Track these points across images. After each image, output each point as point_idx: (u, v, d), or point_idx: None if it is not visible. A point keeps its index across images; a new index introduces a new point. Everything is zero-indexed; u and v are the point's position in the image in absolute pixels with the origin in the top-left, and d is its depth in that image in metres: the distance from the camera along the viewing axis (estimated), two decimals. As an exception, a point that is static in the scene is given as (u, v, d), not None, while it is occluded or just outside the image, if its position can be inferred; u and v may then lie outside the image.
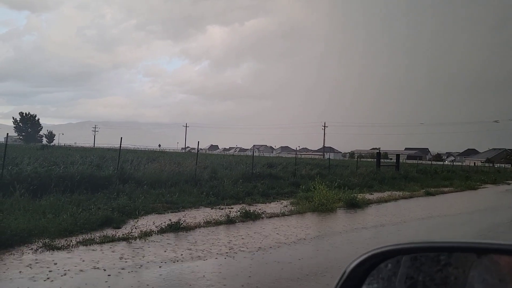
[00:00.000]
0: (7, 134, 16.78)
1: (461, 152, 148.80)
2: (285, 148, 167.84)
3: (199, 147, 21.72)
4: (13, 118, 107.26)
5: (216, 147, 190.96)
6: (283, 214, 12.16)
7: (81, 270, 6.06)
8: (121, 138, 17.21)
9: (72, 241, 7.61)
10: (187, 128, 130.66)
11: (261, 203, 14.37)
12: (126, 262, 6.60)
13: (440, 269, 1.10)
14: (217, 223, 10.21)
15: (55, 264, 6.31)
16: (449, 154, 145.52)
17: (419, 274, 1.11)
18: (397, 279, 1.13)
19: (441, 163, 65.68)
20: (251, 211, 11.45)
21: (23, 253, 6.80)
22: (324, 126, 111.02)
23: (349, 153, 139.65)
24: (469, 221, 13.24)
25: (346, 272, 1.15)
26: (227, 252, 7.52)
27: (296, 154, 38.55)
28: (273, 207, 13.55)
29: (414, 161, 61.04)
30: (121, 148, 17.60)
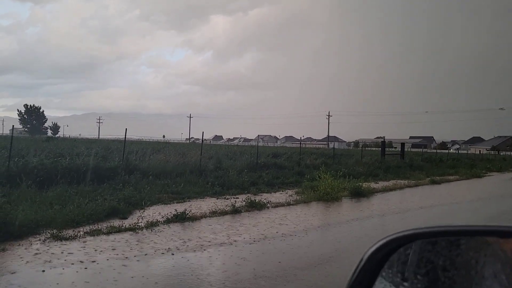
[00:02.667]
0: (13, 126, 16.90)
1: (466, 140, 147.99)
2: (289, 138, 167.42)
3: (203, 137, 21.74)
4: (17, 110, 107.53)
5: (221, 137, 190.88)
6: (288, 204, 12.18)
7: (90, 260, 6.10)
8: (126, 129, 17.23)
9: (80, 231, 7.66)
10: (191, 118, 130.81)
11: (266, 192, 14.39)
12: (133, 251, 6.64)
13: (460, 253, 1.08)
14: (223, 213, 10.24)
15: (64, 254, 6.36)
16: (454, 142, 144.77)
17: (439, 258, 1.09)
18: (416, 263, 1.11)
19: (446, 151, 65.39)
20: (256, 201, 11.47)
21: (31, 244, 6.85)
22: (329, 115, 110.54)
23: (353, 142, 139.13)
24: (475, 209, 13.22)
25: (364, 258, 1.13)
26: (233, 242, 7.54)
27: (300, 143, 38.48)
28: (278, 196, 13.57)
29: (419, 150, 60.79)
30: (126, 139, 17.63)
